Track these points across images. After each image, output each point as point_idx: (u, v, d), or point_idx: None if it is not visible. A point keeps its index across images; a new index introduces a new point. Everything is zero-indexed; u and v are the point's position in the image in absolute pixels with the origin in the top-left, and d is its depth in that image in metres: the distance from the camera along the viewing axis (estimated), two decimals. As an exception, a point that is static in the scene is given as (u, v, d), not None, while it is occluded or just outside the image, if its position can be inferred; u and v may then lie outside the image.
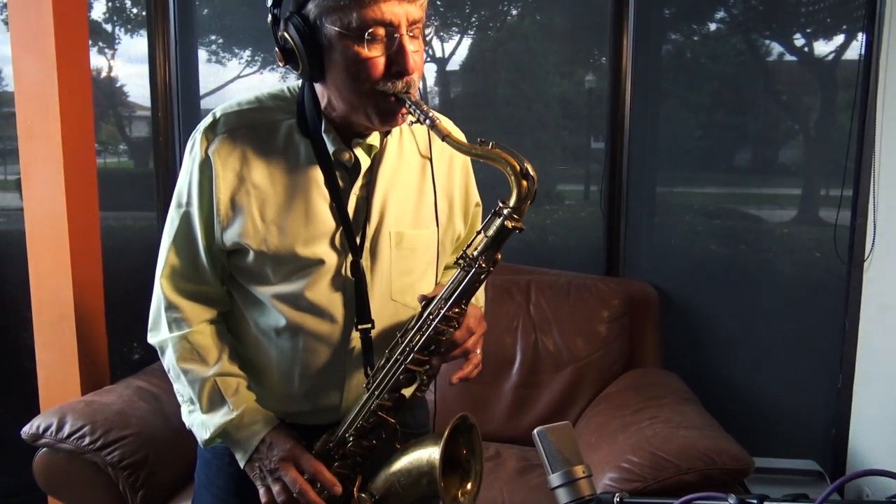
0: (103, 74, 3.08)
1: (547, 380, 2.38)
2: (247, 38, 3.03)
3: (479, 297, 1.38)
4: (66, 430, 1.94)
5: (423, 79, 2.94)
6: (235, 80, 3.02)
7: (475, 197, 1.37)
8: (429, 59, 2.97)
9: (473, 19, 3.04)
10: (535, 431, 1.08)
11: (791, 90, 2.84)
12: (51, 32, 2.09)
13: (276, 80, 2.97)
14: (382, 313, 1.22)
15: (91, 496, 1.97)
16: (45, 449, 1.96)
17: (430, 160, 1.24)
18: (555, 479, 1.03)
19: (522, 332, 2.42)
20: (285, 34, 1.08)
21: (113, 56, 3.04)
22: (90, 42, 2.93)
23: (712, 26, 2.82)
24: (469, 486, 1.22)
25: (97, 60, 2.99)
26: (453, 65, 2.99)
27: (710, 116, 2.85)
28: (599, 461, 1.89)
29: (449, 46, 2.96)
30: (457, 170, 1.31)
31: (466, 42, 2.98)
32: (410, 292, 1.23)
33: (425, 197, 1.24)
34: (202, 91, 3.01)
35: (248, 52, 3.05)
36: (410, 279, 1.25)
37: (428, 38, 1.14)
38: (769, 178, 2.86)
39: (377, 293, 1.21)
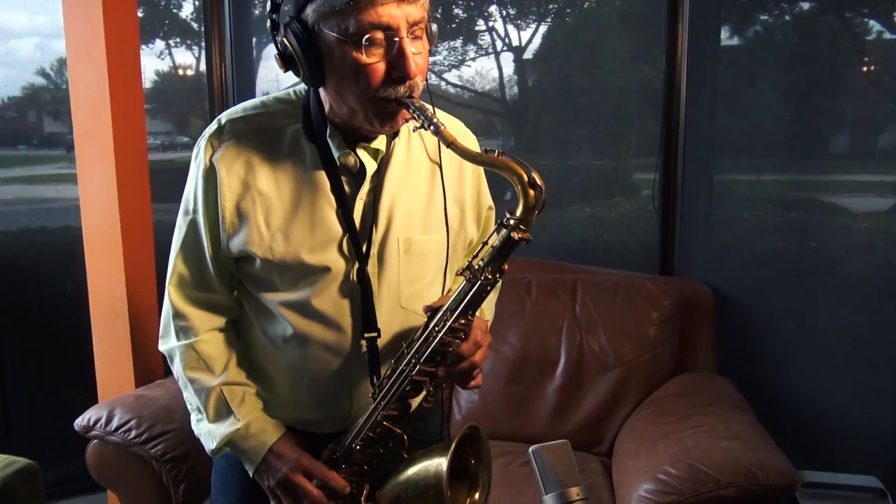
0: (191, 72, 3.19)
1: (592, 382, 2.31)
2: None
3: (487, 311, 1.34)
4: (115, 423, 2.01)
5: (500, 68, 2.92)
6: None
7: (487, 200, 1.33)
8: (505, 49, 2.91)
9: (551, 6, 2.98)
10: (530, 449, 1.06)
11: (891, 70, 2.61)
12: (101, 39, 2.16)
13: None
14: (392, 321, 1.20)
15: (137, 487, 2.04)
16: (95, 441, 2.05)
17: (440, 164, 1.21)
18: (548, 500, 1.00)
19: (567, 333, 2.36)
20: (284, 40, 1.06)
21: (200, 53, 3.14)
22: (179, 40, 3.06)
23: (805, 5, 2.63)
24: (477, 496, 1.19)
25: (185, 58, 3.11)
26: (529, 53, 2.93)
27: (789, 100, 2.63)
28: (636, 470, 1.82)
29: (526, 35, 2.91)
30: (467, 173, 1.28)
31: (543, 30, 2.92)
32: (420, 300, 1.20)
33: (435, 201, 1.21)
34: (282, 85, 3.05)
35: None
36: (420, 286, 1.22)
37: (429, 31, 1.10)
38: (853, 164, 2.64)
39: (385, 301, 1.19)
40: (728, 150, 2.68)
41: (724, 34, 2.64)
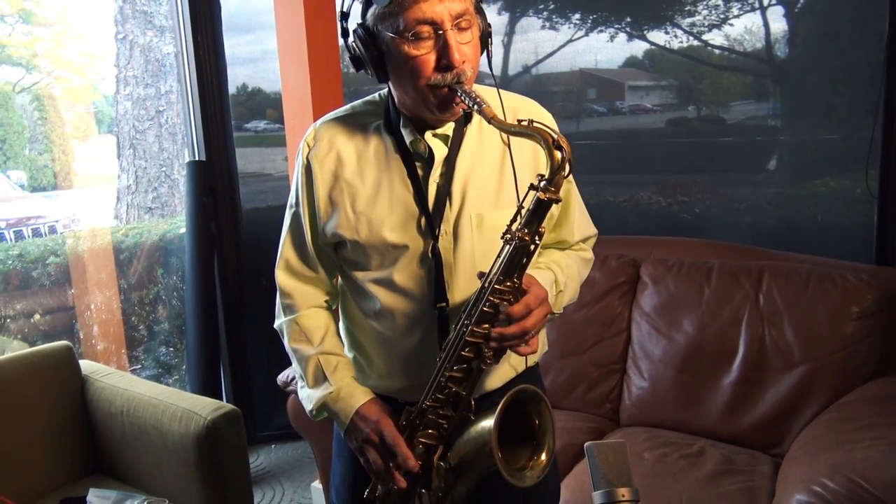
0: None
1: (772, 379, 2.14)
2: (577, 3, 3.06)
3: (567, 291, 1.34)
4: (307, 380, 2.30)
5: (766, 25, 2.65)
6: (567, 45, 3.07)
7: None
8: (775, 2, 2.68)
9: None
10: (585, 445, 1.06)
11: None
12: (304, 42, 2.44)
13: (604, 41, 3.00)
14: (469, 292, 1.26)
15: (323, 438, 2.32)
16: (293, 395, 2.36)
17: (507, 143, 1.27)
18: (596, 496, 1.01)
19: (748, 323, 2.19)
20: (353, 44, 1.21)
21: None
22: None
23: None
24: (543, 456, 1.21)
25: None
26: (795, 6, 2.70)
27: None
28: (794, 479, 1.68)
29: None
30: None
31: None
32: None
33: (506, 178, 1.29)
34: (539, 56, 3.14)
35: (577, 16, 3.07)
36: (494, 258, 1.25)
37: (480, 21, 1.18)
38: None
39: (462, 273, 1.28)
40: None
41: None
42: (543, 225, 1.14)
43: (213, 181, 3.17)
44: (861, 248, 2.47)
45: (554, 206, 1.31)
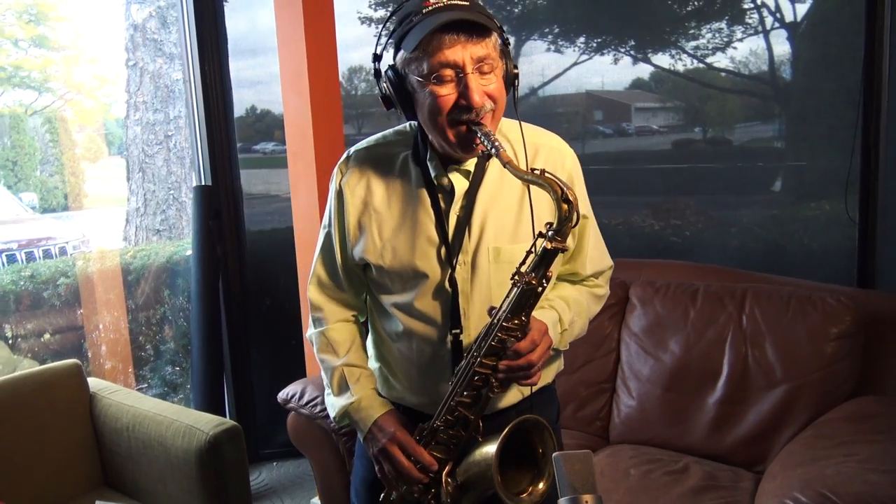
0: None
1: (755, 398, 2.20)
2: (581, 26, 3.17)
3: (577, 324, 1.42)
4: (306, 398, 2.38)
5: (769, 49, 2.76)
6: (573, 67, 3.18)
7: (581, 210, 1.40)
8: (778, 26, 2.79)
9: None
10: (553, 455, 1.14)
11: None
12: (304, 71, 2.55)
13: (609, 63, 3.11)
14: (483, 320, 1.34)
15: (321, 454, 2.40)
16: (292, 412, 2.44)
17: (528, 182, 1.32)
18: (561, 503, 1.08)
19: (732, 344, 2.27)
20: (384, 84, 1.30)
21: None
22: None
23: None
24: (541, 485, 1.29)
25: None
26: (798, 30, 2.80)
27: None
28: (769, 493, 1.75)
29: (801, 9, 2.75)
30: None
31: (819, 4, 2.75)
32: None
33: (525, 213, 1.35)
34: (545, 78, 3.26)
35: (582, 39, 3.19)
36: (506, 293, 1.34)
37: (506, 63, 1.26)
38: None
39: (477, 302, 1.35)
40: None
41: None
42: (551, 270, 1.20)
43: (219, 205, 3.28)
44: (845, 271, 2.55)
45: (570, 241, 1.39)
